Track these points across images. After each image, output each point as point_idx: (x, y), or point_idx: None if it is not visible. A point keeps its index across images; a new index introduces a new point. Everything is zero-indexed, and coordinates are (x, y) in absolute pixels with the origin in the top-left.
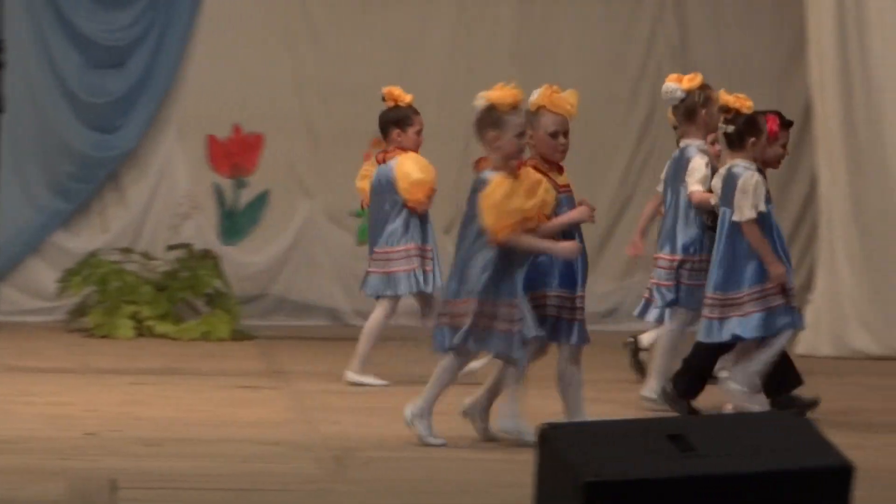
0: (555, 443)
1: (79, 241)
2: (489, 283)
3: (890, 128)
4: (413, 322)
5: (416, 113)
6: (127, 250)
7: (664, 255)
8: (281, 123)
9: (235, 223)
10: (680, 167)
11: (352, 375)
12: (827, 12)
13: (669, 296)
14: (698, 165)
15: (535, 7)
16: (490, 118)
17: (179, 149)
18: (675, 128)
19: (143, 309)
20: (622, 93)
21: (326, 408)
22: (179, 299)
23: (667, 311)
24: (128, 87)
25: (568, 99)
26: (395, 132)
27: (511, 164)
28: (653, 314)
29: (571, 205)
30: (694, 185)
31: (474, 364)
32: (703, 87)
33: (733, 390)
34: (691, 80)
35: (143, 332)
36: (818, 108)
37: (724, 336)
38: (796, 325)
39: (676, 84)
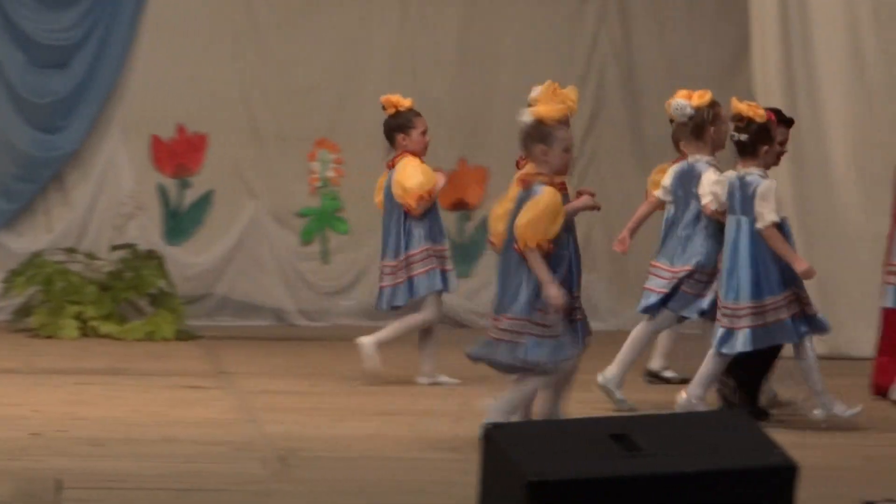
0: (499, 442)
1: (23, 242)
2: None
3: (832, 127)
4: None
5: (418, 115)
6: (71, 250)
7: (663, 265)
8: (225, 124)
9: (180, 223)
10: (691, 181)
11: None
12: (770, 11)
13: (658, 301)
14: (712, 180)
15: (478, 8)
16: (538, 132)
17: (123, 149)
18: (675, 141)
19: (88, 309)
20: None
21: (271, 408)
22: (124, 299)
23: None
24: (72, 87)
25: (570, 95)
26: (399, 137)
27: (559, 179)
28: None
29: (566, 200)
30: (707, 197)
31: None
32: (713, 104)
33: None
34: (701, 98)
35: (87, 332)
36: None
37: (777, 341)
38: (825, 328)
39: (686, 101)
